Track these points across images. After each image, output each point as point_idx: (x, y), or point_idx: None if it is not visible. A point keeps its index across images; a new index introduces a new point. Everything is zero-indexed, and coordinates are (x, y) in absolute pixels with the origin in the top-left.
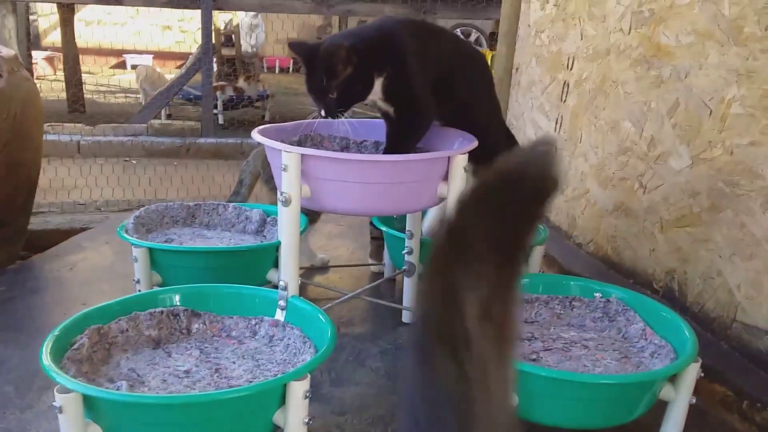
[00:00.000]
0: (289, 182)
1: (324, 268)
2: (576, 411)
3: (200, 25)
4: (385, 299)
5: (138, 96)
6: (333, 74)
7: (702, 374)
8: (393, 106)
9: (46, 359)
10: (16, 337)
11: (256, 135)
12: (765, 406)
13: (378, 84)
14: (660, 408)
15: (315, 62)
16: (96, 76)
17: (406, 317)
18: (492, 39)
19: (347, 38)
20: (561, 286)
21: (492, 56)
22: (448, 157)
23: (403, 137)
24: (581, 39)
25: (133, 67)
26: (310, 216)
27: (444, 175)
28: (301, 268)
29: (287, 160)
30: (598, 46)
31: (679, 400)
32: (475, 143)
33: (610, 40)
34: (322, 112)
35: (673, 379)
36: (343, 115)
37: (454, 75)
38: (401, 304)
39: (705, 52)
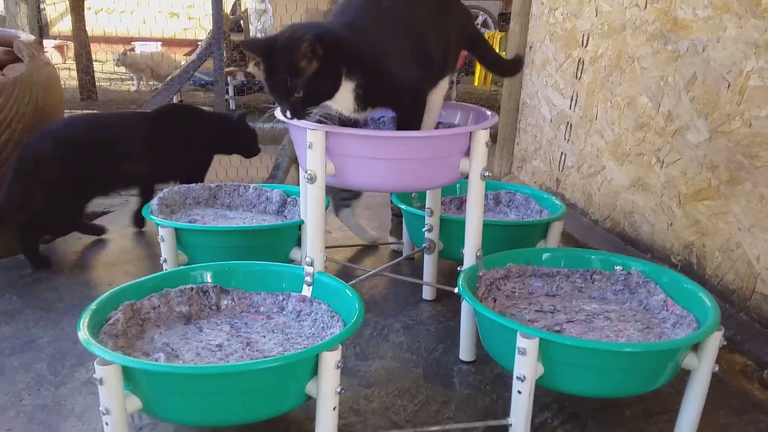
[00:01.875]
0: (314, 159)
1: (342, 246)
2: (601, 379)
3: (209, 12)
4: (404, 277)
5: (152, 83)
6: (297, 72)
7: (725, 343)
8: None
9: (84, 333)
10: (46, 316)
11: (279, 114)
12: None
13: (348, 93)
14: (680, 380)
15: (274, 59)
16: (105, 64)
17: (426, 293)
18: (501, 20)
19: (309, 29)
20: (582, 260)
21: (501, 38)
22: (470, 133)
23: (406, 124)
24: (596, 15)
25: (127, 64)
26: (353, 192)
27: (466, 151)
28: (346, 246)
29: (312, 138)
30: (614, 22)
31: (703, 368)
32: (496, 119)
33: (625, 15)
34: (287, 114)
35: (696, 347)
36: (310, 115)
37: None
38: (421, 281)
39: (723, 25)
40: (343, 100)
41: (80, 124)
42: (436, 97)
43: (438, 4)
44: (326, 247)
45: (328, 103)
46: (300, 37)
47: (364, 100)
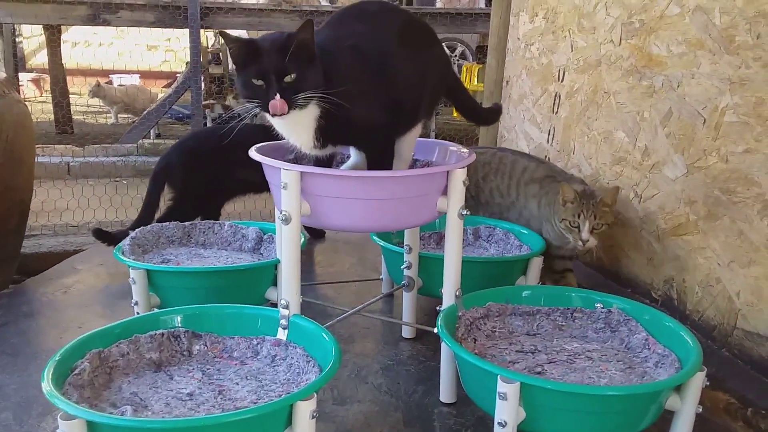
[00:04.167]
0: (289, 200)
1: (321, 283)
2: (584, 423)
3: (187, 45)
4: (383, 315)
5: (127, 116)
6: (298, 51)
7: (708, 383)
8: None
9: (48, 385)
10: (13, 362)
11: (253, 154)
12: None
13: (310, 119)
14: (664, 421)
15: (263, 47)
16: (82, 97)
17: (406, 332)
18: (479, 53)
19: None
20: (562, 298)
21: (479, 70)
22: (447, 172)
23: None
24: (571, 51)
25: (101, 96)
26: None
27: (443, 189)
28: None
29: (287, 178)
30: (589, 57)
31: (686, 410)
32: (473, 156)
33: (600, 51)
34: (276, 96)
35: (678, 388)
36: (301, 107)
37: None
38: (400, 320)
39: (697, 62)
40: (304, 128)
41: (203, 135)
42: (407, 143)
43: (416, 44)
44: (303, 285)
45: (287, 137)
46: (303, 27)
47: (324, 135)
